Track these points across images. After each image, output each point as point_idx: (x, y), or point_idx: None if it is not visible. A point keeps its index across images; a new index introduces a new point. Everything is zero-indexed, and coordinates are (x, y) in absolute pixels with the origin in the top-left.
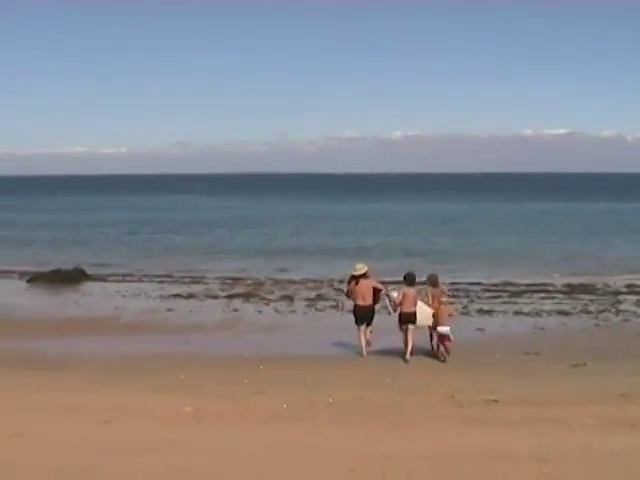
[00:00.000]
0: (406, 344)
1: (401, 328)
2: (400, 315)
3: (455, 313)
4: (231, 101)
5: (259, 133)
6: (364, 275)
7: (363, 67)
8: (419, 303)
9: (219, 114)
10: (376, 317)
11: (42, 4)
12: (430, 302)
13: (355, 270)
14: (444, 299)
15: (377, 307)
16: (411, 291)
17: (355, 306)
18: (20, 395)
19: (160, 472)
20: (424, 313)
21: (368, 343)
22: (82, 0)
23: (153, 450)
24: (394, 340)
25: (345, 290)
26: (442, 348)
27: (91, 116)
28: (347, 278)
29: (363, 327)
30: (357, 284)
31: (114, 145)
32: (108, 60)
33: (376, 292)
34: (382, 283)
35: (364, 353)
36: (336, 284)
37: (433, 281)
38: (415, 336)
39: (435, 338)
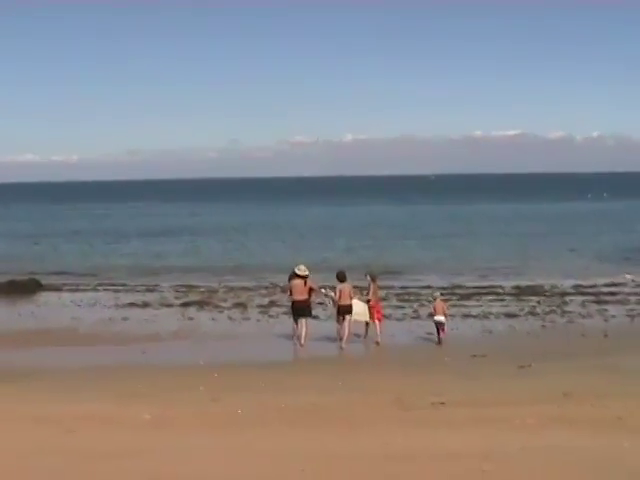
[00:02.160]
0: (342, 333)
1: (338, 319)
2: (338, 307)
3: (448, 309)
4: (181, 107)
5: (210, 139)
6: (305, 277)
7: (312, 70)
8: (354, 300)
9: (169, 120)
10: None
11: None
12: (371, 294)
13: (299, 270)
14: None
15: (313, 301)
16: (345, 286)
17: (293, 302)
18: None
19: (123, 477)
20: (360, 309)
21: (303, 335)
22: (27, 4)
23: (116, 456)
24: (345, 346)
25: (283, 285)
26: (440, 335)
27: (40, 123)
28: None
29: (300, 321)
30: (300, 282)
31: (64, 152)
32: (55, 65)
33: (311, 290)
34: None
35: (301, 343)
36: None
37: (373, 277)
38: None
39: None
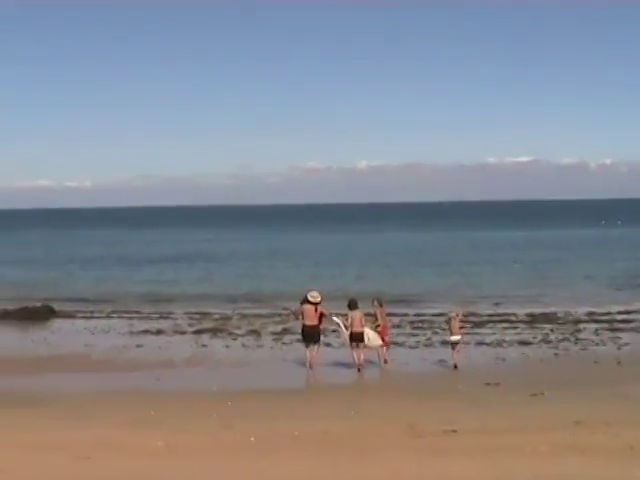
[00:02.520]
0: (357, 359)
1: (351, 345)
2: (351, 334)
3: (463, 330)
4: (194, 132)
5: (223, 165)
6: (317, 304)
7: (326, 97)
8: (365, 329)
9: (182, 146)
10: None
11: None
12: (379, 319)
13: (312, 297)
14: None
15: (323, 327)
16: (356, 314)
17: (303, 326)
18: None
19: None
20: (372, 336)
21: (313, 359)
22: (40, 25)
23: None
24: (356, 374)
25: (294, 310)
26: (454, 355)
27: (54, 148)
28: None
29: (311, 346)
30: (311, 308)
31: (77, 179)
32: (67, 90)
33: (322, 317)
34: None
35: (310, 366)
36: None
37: (380, 302)
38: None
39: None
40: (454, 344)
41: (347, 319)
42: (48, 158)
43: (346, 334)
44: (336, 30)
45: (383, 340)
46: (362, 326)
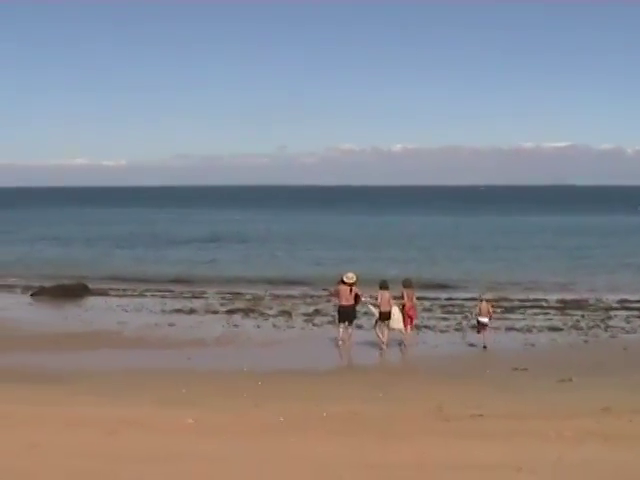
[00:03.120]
0: (382, 337)
1: (377, 324)
2: (380, 313)
3: (492, 313)
4: (231, 112)
5: (260, 145)
6: (353, 284)
7: (362, 79)
8: (393, 309)
9: (219, 126)
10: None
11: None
12: (405, 300)
13: (347, 278)
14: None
15: (358, 308)
16: (386, 294)
17: (340, 306)
18: (33, 408)
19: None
20: (396, 317)
21: (348, 337)
22: (80, 8)
23: (158, 459)
24: (386, 356)
25: (331, 290)
26: (480, 336)
27: (91, 127)
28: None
29: (344, 325)
30: (347, 289)
31: (114, 157)
32: (107, 71)
33: (357, 297)
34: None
35: (340, 341)
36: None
37: (408, 284)
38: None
39: (478, 328)
40: (483, 325)
41: (377, 298)
42: (85, 137)
43: (376, 313)
44: (380, 14)
45: (410, 319)
46: (390, 305)
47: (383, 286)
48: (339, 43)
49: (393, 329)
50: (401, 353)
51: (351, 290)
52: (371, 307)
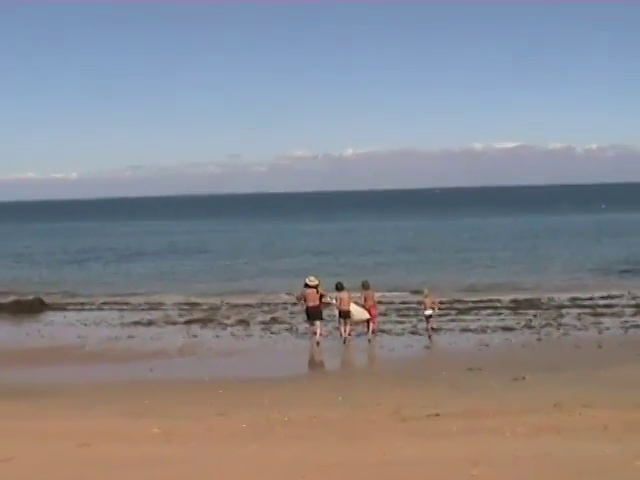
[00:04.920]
0: (342, 332)
1: (339, 321)
2: (339, 312)
3: (437, 305)
4: (181, 122)
5: (211, 154)
6: (316, 286)
7: (312, 85)
8: (352, 304)
9: (170, 136)
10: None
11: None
12: (363, 300)
13: (310, 281)
14: (375, 297)
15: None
16: (344, 294)
17: (307, 307)
18: (5, 422)
19: None
20: (357, 311)
21: (318, 334)
22: (32, 18)
23: (129, 467)
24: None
25: (296, 294)
26: (429, 327)
27: (40, 140)
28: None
29: (318, 323)
30: (312, 291)
31: (64, 170)
32: (55, 79)
33: (322, 297)
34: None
35: (317, 341)
36: (290, 307)
37: (366, 285)
38: (350, 326)
39: (425, 321)
40: (428, 317)
41: (336, 299)
42: (34, 150)
43: (336, 312)
44: (325, 20)
45: (371, 315)
46: (348, 304)
47: (339, 287)
48: (288, 47)
49: (359, 321)
50: (364, 358)
51: (317, 291)
52: (333, 305)
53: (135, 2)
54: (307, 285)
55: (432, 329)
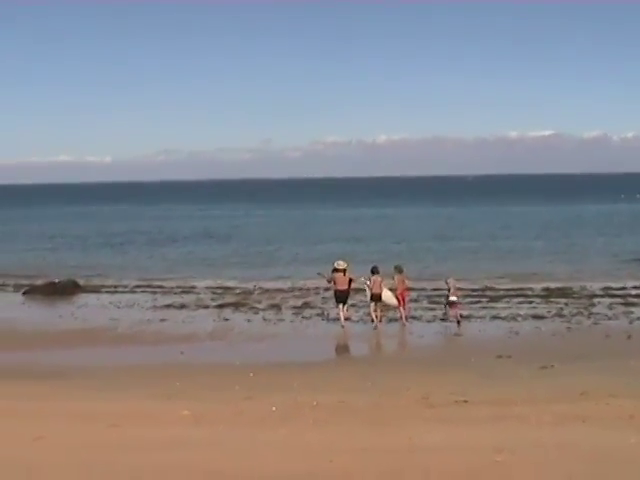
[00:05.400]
0: (375, 316)
1: (370, 305)
2: (372, 295)
3: (459, 292)
4: (216, 107)
5: (245, 139)
6: (344, 270)
7: (346, 71)
8: (384, 291)
9: (204, 121)
10: None
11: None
12: (396, 284)
13: (338, 265)
14: (407, 282)
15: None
16: (377, 278)
17: (336, 291)
18: (35, 403)
19: (167, 467)
20: (387, 296)
21: (346, 318)
22: (68, 5)
23: (159, 449)
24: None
25: (327, 277)
26: (452, 313)
27: (75, 123)
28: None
29: (341, 306)
30: (340, 275)
31: (98, 154)
32: (90, 66)
33: (350, 281)
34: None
35: (342, 324)
36: (322, 292)
37: (399, 269)
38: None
39: (447, 307)
40: (453, 303)
41: (369, 281)
42: (68, 134)
43: (369, 294)
44: (357, 5)
45: (402, 300)
46: (381, 288)
47: (374, 271)
48: (322, 36)
49: (388, 305)
50: (395, 344)
51: (344, 275)
52: (366, 287)
53: None
54: (336, 269)
55: (460, 315)
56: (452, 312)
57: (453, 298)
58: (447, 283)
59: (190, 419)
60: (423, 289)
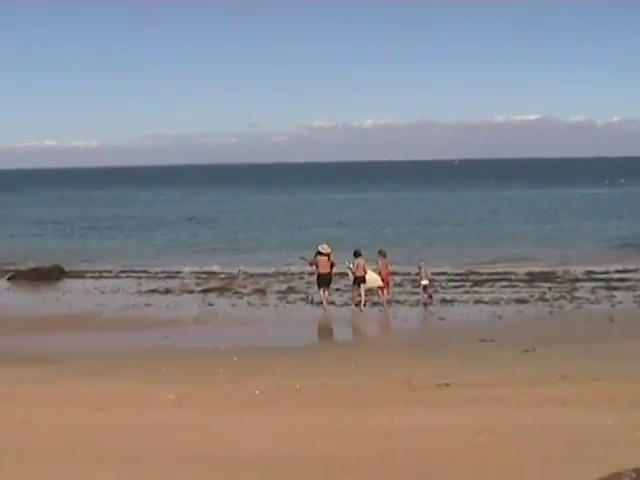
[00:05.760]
0: (359, 299)
1: (353, 287)
2: (355, 278)
3: (432, 276)
4: (201, 91)
5: (231, 124)
6: (329, 254)
7: (331, 54)
8: (368, 271)
9: (190, 105)
10: None
11: None
12: (380, 268)
13: (323, 249)
14: (390, 267)
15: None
16: (360, 261)
17: (318, 274)
18: (22, 387)
19: (153, 450)
20: (372, 277)
21: (330, 302)
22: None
23: (145, 432)
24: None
25: (310, 260)
26: (426, 296)
27: (60, 109)
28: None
29: (323, 289)
30: (325, 258)
31: (84, 138)
32: (74, 51)
33: (333, 265)
34: None
35: (325, 307)
36: (306, 277)
37: (383, 253)
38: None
39: (421, 291)
40: (425, 287)
41: (352, 264)
42: (53, 119)
43: (351, 277)
44: None
45: (387, 284)
46: (364, 271)
47: (357, 254)
48: (305, 19)
49: (371, 288)
50: (378, 328)
51: (328, 259)
52: (348, 270)
53: None
54: (320, 252)
55: (430, 297)
56: (424, 295)
57: (425, 282)
58: (419, 268)
59: (175, 402)
60: (408, 273)
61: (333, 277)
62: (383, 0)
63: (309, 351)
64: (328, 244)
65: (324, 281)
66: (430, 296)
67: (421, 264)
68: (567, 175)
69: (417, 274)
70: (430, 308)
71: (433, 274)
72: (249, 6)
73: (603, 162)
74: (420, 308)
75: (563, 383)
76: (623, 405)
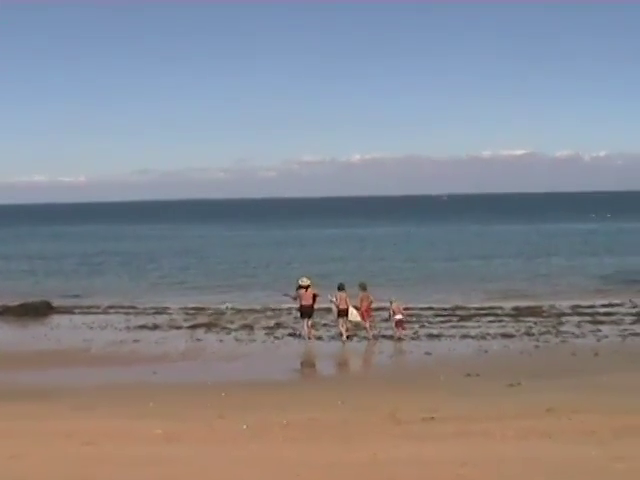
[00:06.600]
0: (342, 332)
1: (338, 320)
2: (339, 311)
3: (405, 310)
4: (188, 126)
5: (218, 159)
6: (308, 286)
7: (319, 90)
8: (350, 308)
9: (177, 140)
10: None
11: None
12: (359, 302)
13: (302, 282)
14: (371, 300)
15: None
16: (342, 294)
17: (301, 306)
18: (10, 422)
19: None
20: (353, 314)
21: (310, 331)
22: (36, 24)
23: (133, 465)
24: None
25: (292, 295)
26: (399, 331)
27: (48, 144)
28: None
29: (306, 320)
30: (304, 291)
31: (72, 174)
32: (61, 85)
33: (315, 296)
34: None
35: (307, 339)
36: (294, 312)
37: (363, 287)
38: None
39: (394, 325)
40: (399, 321)
41: (335, 298)
42: (42, 154)
43: (335, 310)
44: (333, 27)
45: (363, 317)
46: (347, 304)
47: (340, 288)
48: (292, 54)
49: (351, 322)
50: (364, 364)
51: (307, 291)
52: (332, 304)
53: (134, 4)
54: (300, 286)
55: (403, 330)
56: (397, 330)
57: (399, 316)
58: (390, 303)
59: (163, 437)
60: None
61: (315, 309)
62: (370, 36)
63: (296, 386)
64: (307, 277)
65: (306, 312)
66: (404, 328)
67: (392, 299)
68: (554, 209)
69: (389, 309)
70: (404, 343)
71: (421, 309)
72: (237, 42)
73: (590, 197)
74: (406, 343)
75: (547, 416)
76: (605, 437)
